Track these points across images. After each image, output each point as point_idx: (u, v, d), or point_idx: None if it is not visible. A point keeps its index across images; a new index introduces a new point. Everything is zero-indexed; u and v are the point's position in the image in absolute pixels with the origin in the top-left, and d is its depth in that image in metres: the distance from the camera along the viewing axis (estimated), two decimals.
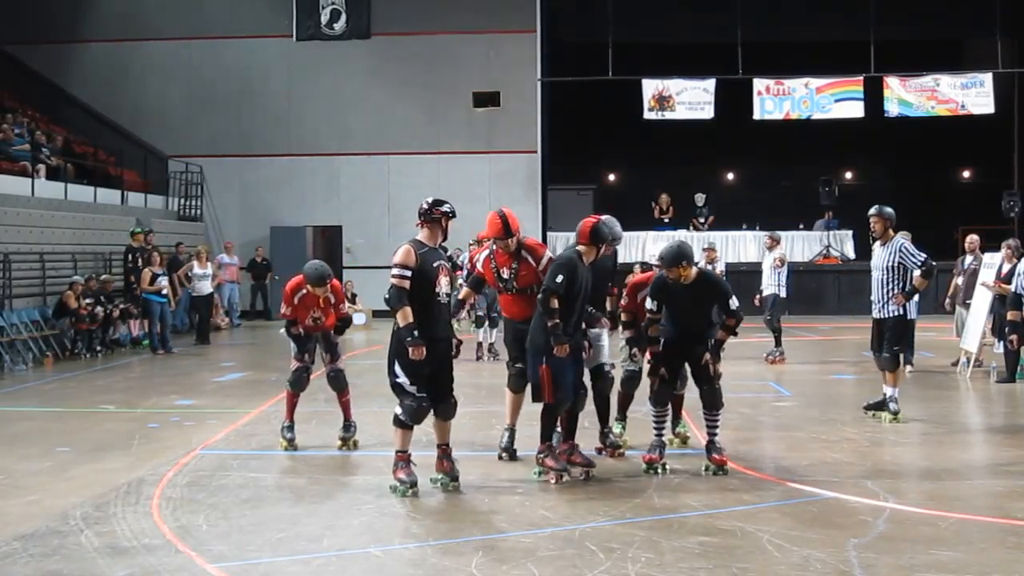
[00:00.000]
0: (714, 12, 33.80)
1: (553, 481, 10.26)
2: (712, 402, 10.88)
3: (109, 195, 29.66)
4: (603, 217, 11.08)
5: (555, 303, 10.21)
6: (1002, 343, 17.66)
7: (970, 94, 33.14)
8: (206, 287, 25.58)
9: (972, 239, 20.03)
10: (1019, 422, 14.53)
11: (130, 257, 25.24)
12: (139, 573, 7.74)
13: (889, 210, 13.90)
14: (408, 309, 9.77)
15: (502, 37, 33.53)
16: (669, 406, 11.24)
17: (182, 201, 33.90)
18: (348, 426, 12.46)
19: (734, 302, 10.84)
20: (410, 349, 9.69)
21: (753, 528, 8.72)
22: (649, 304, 10.97)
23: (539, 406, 10.57)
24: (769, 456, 11.13)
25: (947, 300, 20.39)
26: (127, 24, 34.09)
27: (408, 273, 9.89)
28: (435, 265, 10.08)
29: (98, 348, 22.79)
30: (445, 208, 10.29)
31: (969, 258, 19.65)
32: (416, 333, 9.70)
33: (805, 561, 7.91)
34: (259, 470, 11.20)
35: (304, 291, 12.24)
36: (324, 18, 33.54)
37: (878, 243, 14.02)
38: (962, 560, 7.89)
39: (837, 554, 8.05)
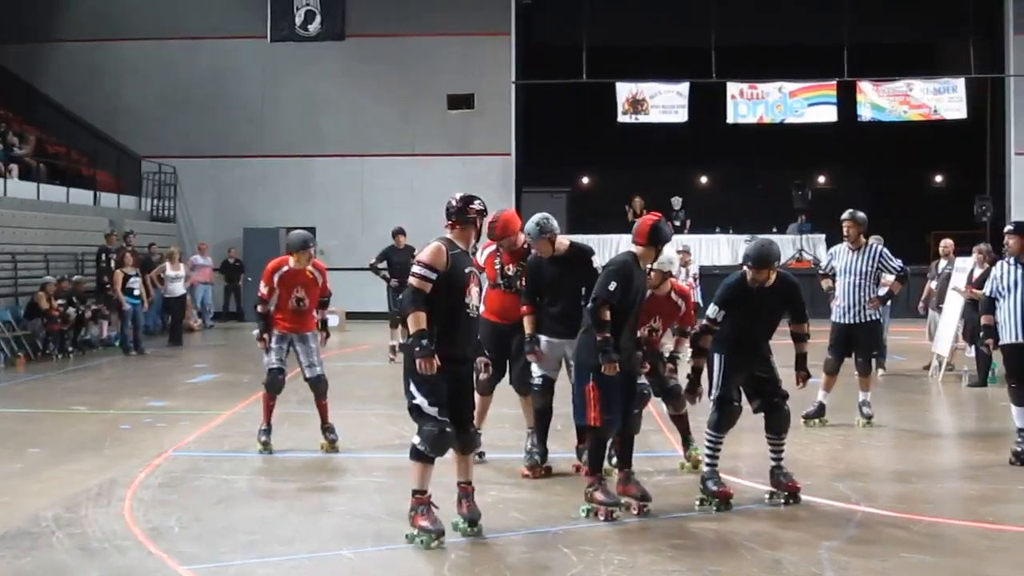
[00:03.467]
0: (688, 16, 33.82)
1: (603, 519, 9.07)
2: (780, 425, 9.87)
3: (82, 195, 29.55)
4: (539, 215, 10.64)
5: (607, 315, 9.11)
6: (974, 347, 17.72)
7: (943, 99, 33.25)
8: (179, 288, 25.48)
9: (946, 243, 20.09)
10: (990, 426, 14.57)
11: (102, 257, 25.17)
12: (111, 575, 7.73)
13: (862, 215, 13.94)
14: (422, 314, 8.42)
15: (477, 39, 33.50)
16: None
17: (155, 202, 33.76)
18: (329, 429, 12.33)
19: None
20: (418, 361, 8.39)
21: (726, 530, 8.75)
22: (715, 312, 9.77)
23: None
24: (742, 459, 11.13)
25: (921, 304, 20.47)
26: (101, 24, 33.94)
27: (433, 276, 8.53)
28: (467, 271, 8.82)
29: (70, 349, 22.69)
30: (479, 205, 9.00)
31: (943, 262, 19.70)
32: (425, 342, 8.38)
33: (777, 564, 7.94)
34: (231, 472, 11.17)
35: (286, 268, 12.13)
36: (299, 19, 33.49)
37: (845, 247, 14.06)
38: (933, 563, 7.94)
39: (809, 556, 8.08)
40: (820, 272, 14.91)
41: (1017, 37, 33.27)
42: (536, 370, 10.86)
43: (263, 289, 12.13)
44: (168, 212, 33.93)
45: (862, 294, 13.76)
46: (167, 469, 11.30)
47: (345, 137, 33.65)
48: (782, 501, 9.71)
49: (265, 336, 12.24)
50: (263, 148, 33.75)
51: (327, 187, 33.73)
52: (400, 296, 9.75)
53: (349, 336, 26.63)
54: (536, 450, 10.99)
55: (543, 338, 10.73)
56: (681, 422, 11.34)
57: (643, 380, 10.63)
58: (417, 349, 8.38)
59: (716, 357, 9.82)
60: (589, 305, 9.26)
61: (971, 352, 18.02)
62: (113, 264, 24.03)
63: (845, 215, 13.99)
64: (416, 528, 8.43)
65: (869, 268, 13.76)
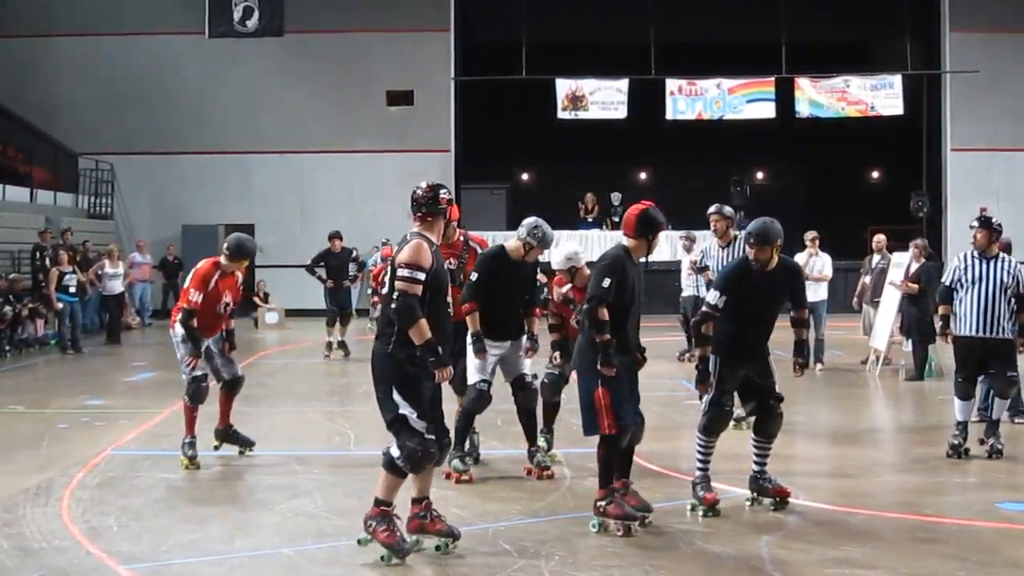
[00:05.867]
0: (627, 12, 33.87)
1: (620, 534, 8.50)
2: (772, 430, 9.50)
3: (18, 193, 29.33)
4: (531, 219, 10.40)
5: (604, 314, 8.51)
6: (910, 342, 17.86)
7: (880, 95, 33.47)
8: (117, 286, 25.29)
9: (879, 239, 20.26)
10: (928, 419, 14.71)
11: (37, 255, 24.93)
12: (49, 575, 7.66)
13: (729, 209, 13.56)
14: (425, 323, 7.79)
15: (416, 36, 33.44)
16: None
17: (92, 199, 33.55)
18: (232, 431, 11.67)
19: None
20: (436, 373, 7.86)
21: (666, 526, 8.76)
22: (715, 298, 9.17)
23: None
24: (682, 454, 11.15)
25: (855, 299, 20.64)
26: (38, 19, 33.57)
27: (423, 276, 7.88)
28: (446, 268, 8.40)
29: (7, 348, 22.46)
30: (447, 194, 8.45)
31: (876, 257, 19.87)
32: (441, 352, 7.88)
33: (717, 558, 7.98)
34: (170, 470, 11.08)
35: (219, 273, 11.29)
36: (237, 15, 33.16)
37: (715, 243, 13.62)
38: (872, 555, 7.99)
39: (749, 551, 8.13)
40: (698, 265, 14.67)
41: (953, 34, 33.61)
42: (477, 374, 10.46)
43: (196, 297, 11.18)
44: (105, 209, 33.70)
45: None
46: (105, 468, 11.22)
47: (284, 134, 33.50)
48: (772, 508, 9.37)
49: (198, 355, 11.38)
50: (202, 145, 33.51)
51: (266, 184, 33.58)
52: (372, 298, 9.33)
53: (288, 333, 26.53)
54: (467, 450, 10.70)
55: (492, 343, 10.45)
56: (551, 409, 11.25)
57: (530, 372, 10.68)
58: (434, 360, 7.82)
59: (711, 358, 9.31)
60: (585, 306, 8.75)
61: (908, 346, 18.16)
62: (48, 262, 23.80)
63: (712, 209, 13.47)
64: (384, 542, 7.89)
65: None
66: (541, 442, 10.96)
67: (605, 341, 8.52)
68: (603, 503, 8.65)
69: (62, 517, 9.16)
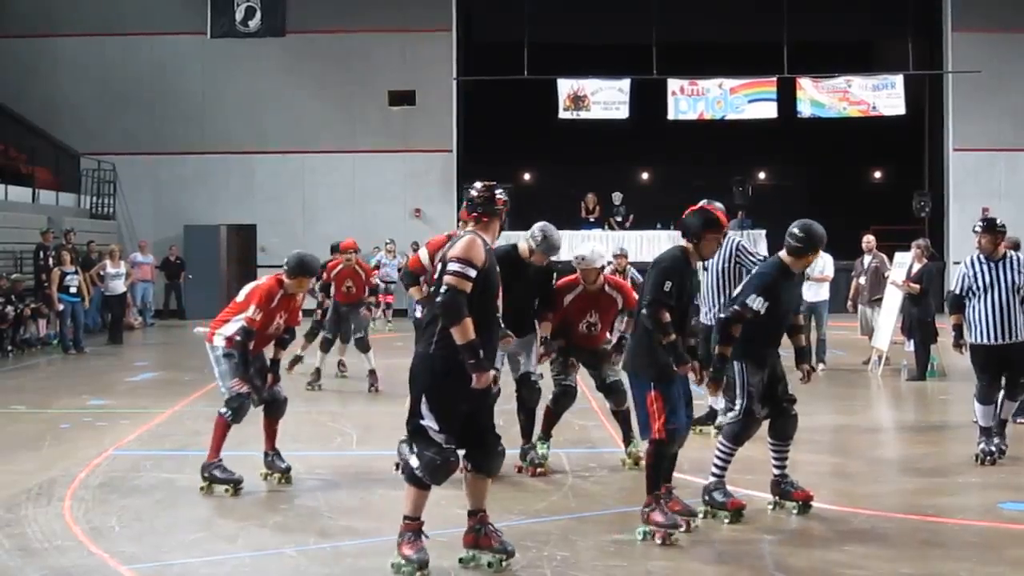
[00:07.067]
0: (629, 12, 33.85)
1: (660, 541, 8.27)
2: (788, 430, 9.38)
3: (20, 193, 29.26)
4: (539, 224, 10.35)
5: (666, 316, 8.30)
6: (912, 342, 17.85)
7: (881, 95, 33.43)
8: (119, 286, 25.28)
9: (868, 239, 20.19)
10: (929, 420, 14.70)
11: (40, 255, 24.92)
12: (51, 575, 7.66)
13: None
14: (470, 322, 7.37)
15: (418, 36, 33.43)
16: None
17: (94, 199, 33.51)
18: (277, 454, 10.71)
19: None
20: (474, 376, 7.39)
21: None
22: (757, 303, 8.79)
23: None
24: (685, 455, 11.11)
25: (849, 302, 20.60)
26: (39, 19, 33.55)
27: (474, 273, 7.50)
28: (498, 271, 7.89)
29: (9, 348, 22.45)
30: (504, 195, 8.15)
31: (868, 258, 19.84)
32: (482, 355, 7.43)
33: (719, 558, 7.99)
34: (173, 471, 11.07)
35: (281, 292, 10.47)
36: (238, 16, 33.22)
37: None
38: (874, 556, 7.99)
39: (751, 550, 8.13)
40: None
41: (955, 34, 33.58)
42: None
43: (255, 315, 10.28)
44: (108, 210, 33.65)
45: (722, 296, 12.39)
46: (108, 468, 11.21)
47: (286, 134, 33.46)
48: (795, 511, 9.22)
49: (245, 377, 10.40)
50: (203, 145, 33.50)
51: (268, 184, 33.54)
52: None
53: None
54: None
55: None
56: (622, 418, 11.06)
57: (536, 371, 10.70)
58: (473, 362, 7.37)
59: (736, 365, 9.04)
60: (644, 309, 8.43)
61: (909, 347, 18.15)
62: (51, 262, 23.80)
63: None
64: (400, 555, 7.66)
65: (727, 265, 12.56)
66: (542, 450, 10.92)
67: (672, 341, 8.33)
68: (648, 510, 8.48)
69: (64, 517, 9.16)
